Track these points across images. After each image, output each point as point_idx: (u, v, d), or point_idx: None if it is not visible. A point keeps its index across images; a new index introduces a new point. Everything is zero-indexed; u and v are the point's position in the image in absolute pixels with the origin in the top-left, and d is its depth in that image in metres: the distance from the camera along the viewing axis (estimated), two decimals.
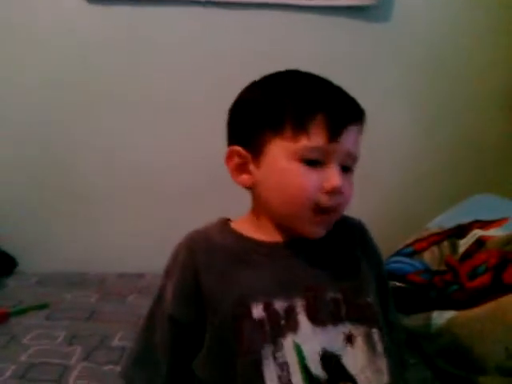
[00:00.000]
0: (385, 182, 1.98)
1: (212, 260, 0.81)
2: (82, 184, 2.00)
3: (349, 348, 0.76)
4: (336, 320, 0.77)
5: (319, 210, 0.79)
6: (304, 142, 0.77)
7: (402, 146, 1.99)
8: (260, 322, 0.75)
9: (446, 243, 1.48)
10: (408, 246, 1.54)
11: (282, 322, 0.75)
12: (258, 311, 0.76)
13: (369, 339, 0.78)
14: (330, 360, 0.74)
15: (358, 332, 0.77)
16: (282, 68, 0.87)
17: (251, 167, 0.83)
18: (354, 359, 0.75)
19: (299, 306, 0.77)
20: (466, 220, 1.52)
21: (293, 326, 0.75)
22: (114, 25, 1.93)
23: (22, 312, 1.51)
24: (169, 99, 1.97)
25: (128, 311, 1.54)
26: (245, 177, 0.84)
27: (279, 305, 0.76)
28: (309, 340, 0.74)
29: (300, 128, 0.77)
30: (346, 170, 0.81)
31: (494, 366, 1.07)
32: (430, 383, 1.15)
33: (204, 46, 1.96)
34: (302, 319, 0.76)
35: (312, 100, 0.78)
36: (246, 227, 0.87)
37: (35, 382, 1.14)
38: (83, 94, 1.95)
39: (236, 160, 0.84)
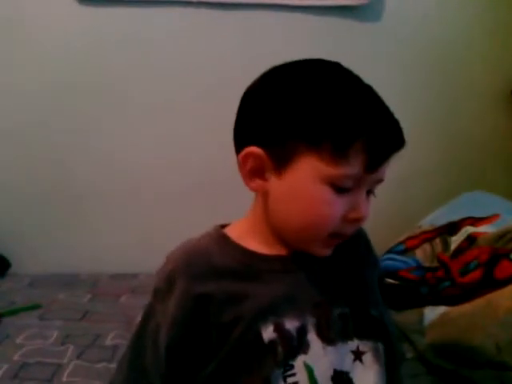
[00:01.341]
0: None
1: (216, 286, 0.72)
2: (75, 186, 2.00)
3: (359, 365, 0.72)
4: (345, 337, 0.73)
5: (336, 235, 0.72)
6: (341, 169, 0.67)
7: None
8: (271, 344, 0.69)
9: (437, 240, 1.49)
10: (400, 243, 1.54)
11: (295, 343, 0.70)
12: (267, 333, 0.70)
13: (376, 354, 0.75)
14: (340, 380, 0.70)
15: (366, 348, 0.74)
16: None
17: (268, 174, 0.73)
18: (366, 377, 0.72)
19: (310, 324, 0.72)
20: (457, 217, 1.53)
21: (303, 346, 0.70)
22: (111, 26, 1.94)
23: (14, 313, 1.52)
24: (166, 100, 1.97)
25: (121, 311, 1.54)
26: (259, 182, 0.74)
27: (291, 324, 0.71)
28: (320, 360, 0.70)
29: (341, 153, 0.67)
30: (369, 193, 0.73)
31: (484, 361, 1.07)
32: (422, 378, 1.16)
33: (200, 47, 1.97)
34: (313, 338, 0.71)
35: (359, 121, 0.67)
36: (247, 237, 0.78)
37: (28, 380, 1.15)
38: (81, 96, 1.95)
39: (251, 163, 0.73)
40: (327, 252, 0.76)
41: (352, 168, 0.67)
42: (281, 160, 0.71)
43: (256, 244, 0.77)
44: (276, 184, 0.72)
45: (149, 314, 0.77)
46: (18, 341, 1.33)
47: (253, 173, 0.74)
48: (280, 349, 0.69)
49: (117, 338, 1.35)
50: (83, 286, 1.76)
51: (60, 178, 1.99)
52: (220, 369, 0.71)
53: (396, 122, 0.72)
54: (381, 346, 0.76)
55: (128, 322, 1.44)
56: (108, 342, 1.34)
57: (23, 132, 1.95)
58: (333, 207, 0.69)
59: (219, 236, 0.79)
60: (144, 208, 2.01)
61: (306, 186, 0.70)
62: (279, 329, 0.70)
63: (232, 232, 0.79)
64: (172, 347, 0.73)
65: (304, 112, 0.69)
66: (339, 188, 0.69)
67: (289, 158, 0.70)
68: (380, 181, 0.73)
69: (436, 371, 1.18)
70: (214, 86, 1.94)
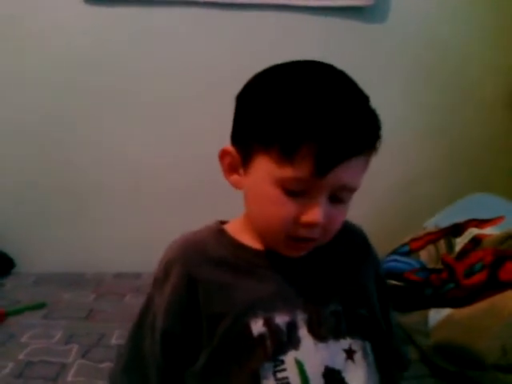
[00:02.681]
0: (382, 181, 1.98)
1: (209, 275, 0.75)
2: (79, 185, 2.00)
3: (351, 364, 0.73)
4: (337, 335, 0.74)
5: (294, 238, 0.72)
6: (287, 172, 0.67)
7: (398, 146, 1.99)
8: (260, 338, 0.71)
9: (442, 242, 1.49)
10: (404, 245, 1.54)
11: (284, 338, 0.72)
12: (257, 327, 0.72)
13: (365, 353, 0.76)
14: (332, 378, 0.71)
15: (357, 346, 0.75)
16: None
17: (241, 171, 0.77)
18: (357, 376, 0.73)
19: (300, 319, 0.73)
20: (462, 219, 1.52)
21: (294, 342, 0.72)
22: (112, 25, 1.94)
23: (19, 312, 1.52)
24: (169, 99, 1.97)
25: (125, 310, 1.54)
26: (235, 177, 0.78)
27: (281, 319, 0.72)
28: (311, 357, 0.71)
29: (286, 155, 0.67)
30: (336, 200, 0.71)
31: (490, 363, 1.07)
32: (426, 379, 1.16)
33: (203, 46, 1.96)
34: (304, 334, 0.72)
35: (306, 124, 0.66)
36: (243, 232, 0.80)
37: (33, 379, 1.15)
38: (84, 94, 1.95)
39: (228, 159, 0.77)
40: (296, 254, 0.77)
41: (299, 171, 0.67)
42: (245, 158, 0.74)
43: (249, 239, 0.80)
44: (245, 180, 0.76)
45: (148, 304, 0.80)
46: (23, 340, 1.34)
47: (230, 168, 0.78)
48: (269, 343, 0.71)
49: (121, 337, 1.34)
50: (87, 286, 1.76)
51: (63, 178, 1.99)
52: (211, 361, 0.73)
53: (363, 124, 0.69)
54: (368, 345, 0.77)
55: (132, 321, 1.44)
56: (113, 341, 1.35)
57: (25, 132, 1.95)
58: (282, 208, 0.70)
59: (217, 229, 0.82)
60: (148, 208, 2.01)
61: (260, 185, 0.72)
62: (269, 323, 0.72)
63: (229, 227, 0.82)
64: (166, 334, 0.75)
65: (260, 113, 0.71)
66: (289, 190, 0.69)
67: (249, 157, 0.73)
68: (347, 189, 0.71)
69: (440, 373, 1.18)
70: (216, 85, 1.94)
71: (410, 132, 2.01)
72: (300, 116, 0.67)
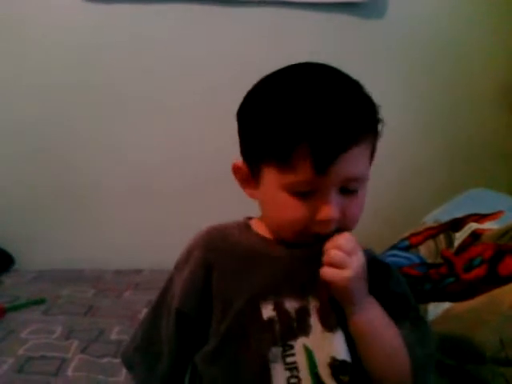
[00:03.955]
0: (381, 177, 1.98)
1: (227, 260, 0.79)
2: (78, 182, 2.00)
3: (351, 356, 0.74)
4: (343, 326, 0.75)
5: (318, 237, 0.74)
6: (291, 177, 0.71)
7: (398, 142, 1.99)
8: (269, 321, 0.73)
9: (441, 237, 1.48)
10: (403, 239, 1.54)
11: (294, 324, 0.74)
12: (267, 311, 0.74)
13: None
14: (339, 369, 0.72)
15: (349, 340, 0.76)
16: (275, 66, 0.79)
17: (252, 183, 0.80)
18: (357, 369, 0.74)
19: (312, 307, 0.75)
20: (461, 214, 1.52)
21: (305, 329, 0.73)
22: (112, 23, 1.94)
23: (19, 308, 1.52)
24: (169, 98, 1.97)
25: (124, 306, 1.55)
26: (248, 190, 0.81)
27: (290, 305, 0.75)
28: (320, 345, 0.73)
29: (284, 163, 0.70)
30: (348, 192, 0.73)
31: (488, 357, 1.07)
32: None
33: (203, 45, 1.97)
34: (314, 322, 0.74)
35: (296, 128, 0.69)
36: (263, 227, 0.83)
37: (33, 374, 1.15)
38: (83, 93, 1.95)
39: (240, 174, 0.81)
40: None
41: (300, 175, 0.70)
42: (253, 171, 0.78)
43: (266, 232, 0.83)
44: (257, 192, 0.79)
45: (167, 286, 0.84)
46: (23, 335, 1.34)
47: (243, 182, 0.82)
48: (278, 327, 0.73)
49: (121, 333, 1.35)
50: (87, 282, 1.77)
51: (62, 176, 2.00)
52: (221, 344, 0.75)
53: (341, 122, 0.69)
54: None
55: (131, 317, 1.44)
56: (112, 336, 1.35)
57: (25, 131, 1.96)
58: (294, 211, 0.73)
59: (242, 223, 0.86)
60: (147, 205, 2.01)
61: (271, 194, 0.75)
62: (278, 308, 0.74)
63: (254, 222, 0.86)
64: (180, 313, 0.79)
65: (252, 129, 0.76)
66: (298, 193, 0.72)
67: (257, 169, 0.77)
68: (353, 179, 0.73)
69: (439, 367, 1.17)
70: (216, 82, 1.94)
71: (409, 128, 2.01)
72: (287, 123, 0.70)
